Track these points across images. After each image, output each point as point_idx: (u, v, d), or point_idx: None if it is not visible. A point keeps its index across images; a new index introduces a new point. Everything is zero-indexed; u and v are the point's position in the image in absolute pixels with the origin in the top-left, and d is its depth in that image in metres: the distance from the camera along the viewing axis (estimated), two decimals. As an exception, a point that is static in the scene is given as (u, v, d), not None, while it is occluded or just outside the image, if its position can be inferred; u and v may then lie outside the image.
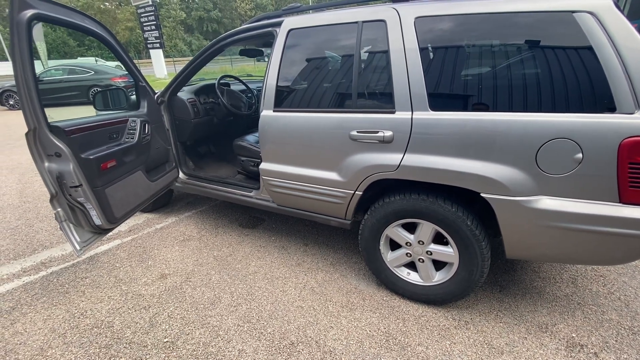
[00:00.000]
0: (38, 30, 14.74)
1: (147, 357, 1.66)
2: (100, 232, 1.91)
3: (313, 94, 1.94)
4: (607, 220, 1.37)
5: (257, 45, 2.81)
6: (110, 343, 1.74)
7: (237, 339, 1.75)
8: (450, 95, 1.57)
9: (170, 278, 2.24)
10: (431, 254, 1.82)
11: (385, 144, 1.70)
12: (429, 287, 1.89)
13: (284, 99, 1.99)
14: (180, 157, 2.74)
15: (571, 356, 1.61)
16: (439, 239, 1.80)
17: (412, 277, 1.95)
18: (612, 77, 1.30)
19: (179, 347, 1.71)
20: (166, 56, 24.14)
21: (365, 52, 1.74)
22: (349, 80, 1.78)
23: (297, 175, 2.04)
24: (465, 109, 1.54)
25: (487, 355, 1.63)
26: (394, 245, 1.98)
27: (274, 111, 2.01)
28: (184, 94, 2.71)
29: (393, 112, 1.67)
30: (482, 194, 1.54)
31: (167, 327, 1.84)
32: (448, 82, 1.57)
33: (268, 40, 2.02)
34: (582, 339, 1.71)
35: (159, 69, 18.76)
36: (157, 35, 17.16)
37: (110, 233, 2.81)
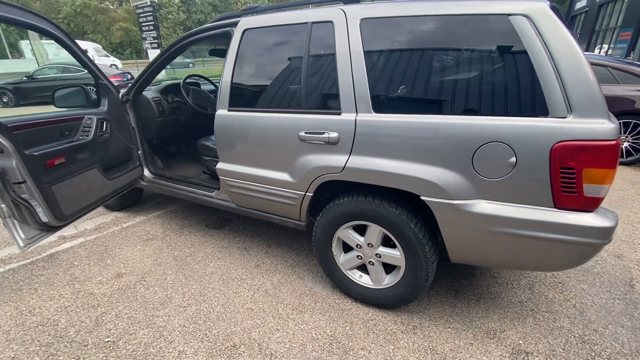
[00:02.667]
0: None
1: (86, 356, 1.64)
2: (49, 229, 1.89)
3: (265, 94, 1.93)
4: (542, 226, 1.36)
5: (225, 45, 2.81)
6: (51, 341, 1.72)
7: (180, 340, 1.73)
8: (392, 98, 1.56)
9: (126, 277, 2.22)
10: (380, 256, 1.80)
11: (331, 146, 1.69)
12: (379, 290, 1.87)
13: (238, 98, 1.98)
14: (147, 155, 2.73)
15: (515, 363, 1.59)
16: (388, 242, 1.78)
17: (364, 279, 1.94)
18: (545, 81, 1.28)
19: (119, 347, 1.69)
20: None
21: (314, 52, 1.73)
22: (298, 81, 1.77)
23: (251, 176, 2.02)
24: (406, 111, 1.52)
25: (429, 360, 1.61)
26: (347, 248, 1.96)
27: (228, 110, 2.00)
28: (150, 92, 2.70)
29: (339, 114, 1.66)
30: (422, 197, 1.52)
31: (112, 326, 1.82)
32: (390, 85, 1.56)
33: (227, 40, 2.02)
34: (529, 346, 1.69)
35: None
36: (155, 35, 17.21)
37: (75, 231, 2.80)
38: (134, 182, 2.58)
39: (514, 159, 1.33)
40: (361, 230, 1.85)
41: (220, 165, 2.14)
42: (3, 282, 2.18)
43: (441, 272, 2.24)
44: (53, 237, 2.72)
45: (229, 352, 1.66)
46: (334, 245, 1.93)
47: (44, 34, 1.80)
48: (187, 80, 2.95)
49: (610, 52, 12.77)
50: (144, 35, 17.89)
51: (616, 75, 4.22)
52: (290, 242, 2.62)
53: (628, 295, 2.04)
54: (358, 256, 1.89)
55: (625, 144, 4.24)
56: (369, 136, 1.59)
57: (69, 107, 2.20)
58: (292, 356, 1.63)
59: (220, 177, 2.17)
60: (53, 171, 1.80)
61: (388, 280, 1.85)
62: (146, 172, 2.72)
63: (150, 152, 2.80)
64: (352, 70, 1.61)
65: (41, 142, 1.76)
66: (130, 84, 2.50)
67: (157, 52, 18.77)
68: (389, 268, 1.86)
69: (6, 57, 23.38)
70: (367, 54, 1.59)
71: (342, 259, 1.96)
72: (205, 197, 2.42)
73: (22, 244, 1.75)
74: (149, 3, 17.34)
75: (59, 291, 2.09)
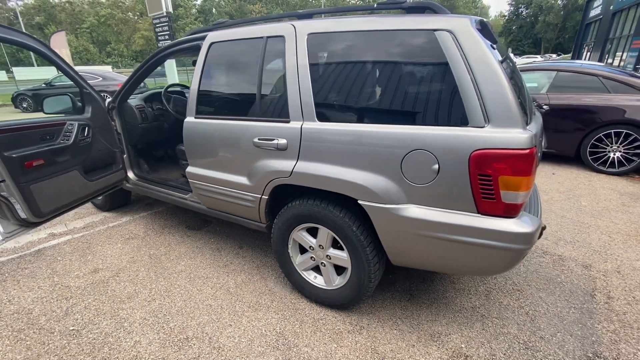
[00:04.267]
0: (61, 37, 15.62)
1: (51, 342, 1.78)
2: (28, 225, 2.06)
3: (226, 103, 2.06)
4: (466, 230, 1.41)
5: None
6: (23, 328, 1.87)
7: (138, 331, 1.84)
8: (332, 107, 1.66)
9: (101, 273, 2.36)
10: (330, 258, 1.88)
11: (281, 151, 1.79)
12: (330, 291, 1.94)
13: (203, 106, 2.12)
14: (132, 159, 2.90)
15: (451, 366, 1.63)
16: (338, 244, 1.85)
17: (318, 280, 2.01)
18: (465, 92, 1.36)
19: (82, 335, 1.82)
20: (181, 65, 25.05)
21: (267, 64, 1.85)
22: (254, 91, 1.89)
23: (216, 179, 2.15)
24: (344, 120, 1.62)
25: (368, 359, 1.66)
26: (303, 250, 2.05)
27: (195, 118, 2.14)
28: (135, 100, 2.88)
29: (288, 122, 1.77)
30: (359, 201, 1.60)
31: (79, 316, 1.95)
32: (331, 95, 1.66)
33: (198, 52, 2.16)
34: (470, 350, 1.72)
35: (172, 77, 19.51)
36: (171, 44, 17.89)
37: (65, 229, 2.99)
38: (117, 184, 2.74)
39: (437, 166, 1.40)
40: (314, 232, 1.93)
41: (189, 169, 2.28)
42: (-9, 273, 2.36)
43: (400, 276, 2.29)
44: (43, 234, 2.91)
45: (181, 343, 1.76)
46: (290, 246, 2.02)
47: (29, 49, 1.99)
48: (169, 89, 3.13)
49: (624, 60, 12.46)
50: (159, 44, 18.61)
51: (607, 84, 4.17)
52: (261, 244, 2.72)
53: (586, 305, 2.04)
54: (312, 257, 1.97)
55: (617, 154, 4.17)
56: (313, 143, 1.69)
57: (56, 113, 2.39)
58: (238, 350, 1.72)
59: (190, 180, 2.31)
60: (31, 172, 1.97)
61: (338, 282, 1.92)
62: (131, 175, 2.89)
63: (136, 156, 2.97)
64: (298, 81, 1.71)
65: (21, 145, 1.94)
66: (115, 93, 2.69)
67: (172, 60, 19.52)
68: (340, 270, 1.93)
69: (32, 65, 24.66)
70: (312, 66, 1.69)
71: (298, 260, 2.04)
72: (180, 199, 2.56)
73: (0, 238, 1.92)
74: (165, 13, 18.11)
75: (39, 283, 2.26)
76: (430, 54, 1.44)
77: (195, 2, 49.76)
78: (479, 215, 1.40)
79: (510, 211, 1.36)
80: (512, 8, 56.20)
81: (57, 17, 37.97)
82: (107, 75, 10.98)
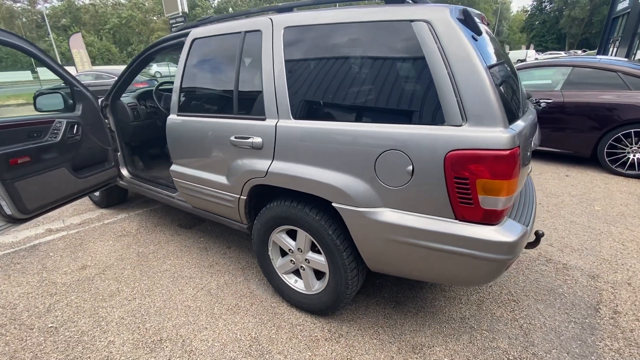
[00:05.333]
0: (79, 38, 16.17)
1: (29, 338, 1.79)
2: (14, 221, 2.08)
3: (206, 100, 2.01)
4: (443, 237, 1.31)
5: None
6: (5, 323, 1.89)
7: (114, 331, 1.83)
8: (307, 104, 1.57)
9: (88, 270, 2.38)
10: (309, 262, 1.81)
11: (257, 150, 1.73)
12: (310, 296, 1.87)
13: (185, 103, 2.08)
14: (125, 157, 2.92)
15: (431, 381, 1.53)
16: (317, 248, 1.78)
17: (298, 285, 1.94)
18: (441, 88, 1.25)
19: (59, 332, 1.82)
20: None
21: (245, 60, 1.79)
22: (231, 87, 1.84)
23: (197, 178, 2.11)
24: (319, 118, 1.53)
25: (342, 370, 1.58)
26: (285, 252, 1.98)
27: (177, 115, 2.11)
28: (127, 98, 2.89)
29: (264, 119, 1.70)
30: (333, 204, 1.52)
31: (60, 313, 1.96)
32: (306, 91, 1.58)
33: (184, 48, 2.13)
34: (453, 364, 1.61)
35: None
36: (186, 44, 18.21)
37: (62, 225, 3.04)
38: (110, 181, 2.75)
39: (411, 168, 1.30)
40: (294, 235, 1.86)
41: (173, 168, 2.25)
42: (-15, 267, 2.42)
43: (388, 282, 2.18)
44: (41, 230, 2.97)
45: (153, 345, 1.73)
46: (270, 248, 1.96)
47: (21, 50, 2.01)
48: (161, 87, 3.12)
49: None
50: (175, 44, 18.96)
51: (628, 81, 3.89)
52: (249, 245, 2.68)
53: (588, 320, 1.88)
54: (291, 261, 1.90)
55: (637, 155, 3.89)
56: (288, 141, 1.61)
57: (48, 110, 2.41)
58: (210, 355, 1.67)
59: (174, 178, 2.28)
60: (16, 169, 1.98)
61: (317, 287, 1.84)
62: (125, 172, 2.91)
63: (130, 153, 2.98)
64: (274, 77, 1.64)
65: (6, 143, 1.96)
66: (108, 91, 2.70)
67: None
68: (320, 275, 1.86)
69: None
70: (288, 61, 1.62)
71: (278, 262, 1.98)
72: (168, 197, 2.54)
73: (-15, 233, 1.94)
74: (180, 13, 18.46)
75: (28, 279, 2.29)
76: (407, 47, 1.33)
77: (212, 2, 50.51)
78: (457, 221, 1.29)
79: (491, 218, 1.24)
80: (535, 3, 54.16)
81: (81, 19, 39.42)
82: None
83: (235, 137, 1.79)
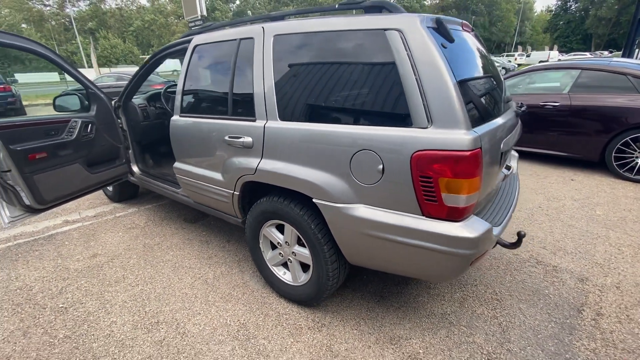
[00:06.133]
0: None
1: (41, 316, 1.98)
2: (32, 211, 2.29)
3: (204, 102, 2.16)
4: (411, 232, 1.39)
5: None
6: (21, 302, 2.10)
7: (117, 312, 2.00)
8: (292, 107, 1.69)
9: (98, 258, 2.57)
10: (295, 254, 1.92)
11: (247, 149, 1.86)
12: (296, 287, 1.98)
13: (186, 105, 2.24)
14: (136, 154, 3.12)
15: (403, 370, 1.61)
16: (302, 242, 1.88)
17: (287, 276, 2.06)
18: (409, 92, 1.34)
19: (68, 312, 2.01)
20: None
21: (239, 65, 1.92)
22: (227, 91, 1.97)
23: (197, 175, 2.26)
24: (302, 119, 1.65)
25: (320, 356, 1.68)
26: (275, 246, 2.10)
27: (180, 116, 2.27)
28: (138, 100, 3.09)
29: (254, 121, 1.83)
30: (313, 200, 1.62)
31: (70, 295, 2.15)
32: (291, 95, 1.69)
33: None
34: (427, 356, 1.68)
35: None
36: (203, 46, 18.75)
37: (78, 217, 3.28)
38: (121, 177, 2.96)
39: (381, 167, 1.39)
40: (283, 229, 1.98)
41: (176, 165, 2.42)
42: (8, 253, 2.66)
43: (375, 278, 2.27)
44: (59, 221, 3.21)
45: (150, 326, 1.89)
46: (261, 242, 2.09)
47: (37, 54, 2.22)
48: (168, 90, 3.31)
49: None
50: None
51: (637, 84, 3.81)
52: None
53: (569, 320, 1.91)
54: (280, 253, 2.02)
55: (645, 160, 3.80)
56: (274, 141, 1.73)
57: (66, 111, 2.63)
58: (201, 337, 1.81)
59: (177, 175, 2.44)
60: (34, 163, 2.19)
61: (303, 278, 1.95)
62: (135, 169, 3.11)
63: (140, 151, 3.18)
64: (264, 81, 1.77)
65: (26, 139, 2.17)
66: (120, 92, 2.91)
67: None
68: (306, 267, 1.96)
69: (82, 67, 26.83)
70: (276, 67, 1.74)
71: (268, 255, 2.10)
72: (173, 193, 2.71)
73: (6, 221, 2.16)
74: (199, 17, 19.06)
75: (44, 264, 2.50)
76: (381, 54, 1.43)
77: (232, 5, 51.50)
78: (424, 217, 1.37)
79: (454, 214, 1.32)
80: (559, 2, 52.44)
81: (107, 22, 41.13)
82: None
83: (229, 137, 1.93)
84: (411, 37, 1.35)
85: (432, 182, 1.29)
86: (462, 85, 1.35)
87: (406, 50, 1.35)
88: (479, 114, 1.40)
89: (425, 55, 1.31)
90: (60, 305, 2.06)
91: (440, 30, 1.42)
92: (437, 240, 1.34)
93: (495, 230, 1.49)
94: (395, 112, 1.38)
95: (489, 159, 1.39)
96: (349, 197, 1.52)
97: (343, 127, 1.49)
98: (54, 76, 28.89)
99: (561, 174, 4.27)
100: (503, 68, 20.92)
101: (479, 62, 1.70)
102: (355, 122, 1.48)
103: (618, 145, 3.92)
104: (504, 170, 1.82)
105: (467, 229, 1.32)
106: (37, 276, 2.36)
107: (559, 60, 19.19)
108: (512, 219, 3.08)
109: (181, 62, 3.14)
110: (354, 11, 1.71)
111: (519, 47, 46.99)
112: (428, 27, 1.37)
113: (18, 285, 2.27)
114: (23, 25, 36.59)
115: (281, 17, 1.92)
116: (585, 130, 4.10)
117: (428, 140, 1.28)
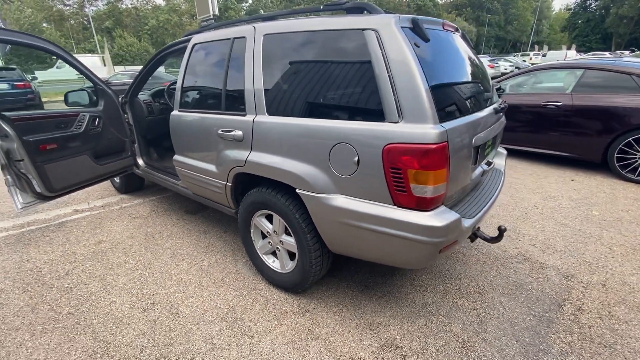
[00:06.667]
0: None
1: (48, 294, 2.14)
2: (43, 198, 2.47)
3: (201, 97, 2.28)
4: (383, 221, 1.48)
5: None
6: (31, 281, 2.27)
7: (117, 293, 2.14)
8: (278, 102, 1.79)
9: (103, 244, 2.74)
10: (283, 243, 2.02)
11: (238, 142, 1.97)
12: (284, 274, 2.08)
13: (185, 100, 2.37)
14: (141, 148, 3.28)
15: (379, 354, 1.69)
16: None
17: (276, 264, 2.16)
18: (383, 89, 1.42)
19: (73, 292, 2.16)
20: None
21: (232, 63, 2.03)
22: (221, 87, 2.09)
23: (194, 167, 2.39)
24: (287, 114, 1.74)
25: (301, 338, 1.78)
26: (265, 235, 2.20)
27: (179, 111, 2.40)
28: (144, 96, 3.25)
29: (244, 115, 1.94)
30: (297, 190, 1.72)
31: (75, 277, 2.31)
32: (277, 91, 1.79)
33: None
34: (403, 342, 1.76)
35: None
36: (215, 45, 19.08)
37: (87, 206, 3.46)
38: (126, 169, 3.12)
39: (356, 159, 1.48)
40: (272, 219, 2.08)
41: (175, 157, 2.55)
42: (22, 237, 2.85)
43: (363, 269, 2.35)
44: (70, 209, 3.41)
45: (146, 307, 2.02)
46: (252, 231, 2.20)
47: (46, 51, 2.38)
48: (172, 87, 3.46)
49: None
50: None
51: (641, 84, 3.76)
52: (243, 230, 2.93)
53: (548, 314, 1.95)
54: (269, 242, 2.13)
55: (649, 162, 3.75)
56: (262, 134, 1.84)
57: (76, 105, 2.80)
58: (192, 318, 1.93)
59: (176, 167, 2.58)
60: (45, 154, 2.36)
61: (290, 266, 2.05)
62: (140, 162, 3.27)
63: (146, 145, 3.34)
64: (253, 78, 1.87)
65: (38, 131, 2.34)
66: (127, 89, 3.07)
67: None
68: (293, 256, 2.06)
69: (103, 64, 27.54)
70: (265, 64, 1.84)
71: (259, 244, 2.21)
72: (174, 185, 2.85)
73: (19, 207, 2.34)
74: (212, 16, 19.40)
75: (53, 248, 2.68)
76: (359, 53, 1.51)
77: (244, 4, 51.96)
78: (395, 207, 1.45)
79: (422, 204, 1.39)
80: (579, 0, 50.99)
81: (123, 21, 42.12)
82: (155, 74, 12.03)
83: (222, 131, 2.04)
84: (385, 36, 1.43)
85: (402, 173, 1.37)
86: (434, 82, 1.42)
87: (381, 49, 1.43)
88: (450, 110, 1.47)
89: (398, 54, 1.39)
90: (66, 286, 2.22)
91: (416, 30, 1.49)
92: (406, 228, 1.42)
93: (467, 222, 1.56)
94: (370, 107, 1.46)
95: (459, 153, 1.46)
96: (328, 188, 1.61)
97: (323, 121, 1.58)
98: (72, 74, 29.76)
99: (562, 174, 4.24)
100: (516, 68, 20.56)
101: (459, 60, 1.76)
102: (335, 117, 1.56)
103: (621, 146, 3.88)
104: (483, 166, 1.88)
105: (435, 218, 1.39)
106: (46, 259, 2.53)
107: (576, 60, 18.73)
108: (505, 217, 3.11)
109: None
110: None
111: (535, 47, 45.95)
112: (403, 27, 1.45)
113: (29, 266, 2.44)
114: (44, 25, 37.87)
115: (272, 18, 2.02)
116: (587, 131, 4.07)
117: (398, 134, 1.36)
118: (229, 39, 2.06)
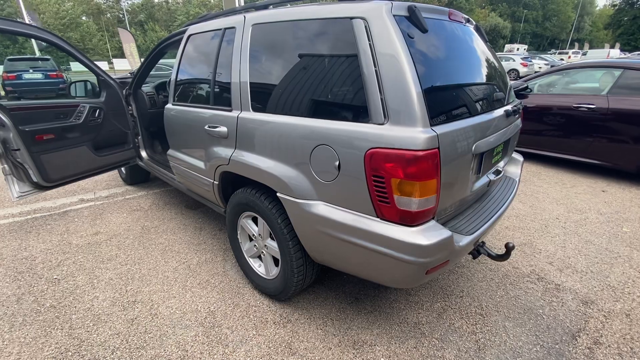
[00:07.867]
0: (127, 33, 17.59)
1: (36, 285, 2.14)
2: (40, 187, 2.48)
3: (192, 91, 2.19)
4: (364, 234, 1.32)
5: None
6: (23, 270, 2.29)
7: (102, 288, 2.11)
8: (263, 97, 1.66)
9: (99, 236, 2.74)
10: (267, 248, 1.91)
11: (223, 139, 1.86)
12: (268, 280, 1.97)
13: (178, 93, 2.29)
14: (145, 140, 3.26)
15: (359, 376, 1.54)
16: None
17: (261, 269, 2.05)
18: (368, 86, 1.26)
19: (60, 283, 2.15)
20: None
21: (222, 55, 1.92)
22: (210, 79, 1.99)
23: (185, 162, 2.31)
24: (271, 111, 1.61)
25: (278, 352, 1.66)
26: (252, 238, 2.10)
27: (172, 104, 2.32)
28: (147, 88, 3.22)
29: (230, 111, 1.82)
30: (277, 194, 1.59)
31: (65, 269, 2.31)
32: (262, 85, 1.66)
33: (185, 43, 2.34)
34: (388, 365, 1.60)
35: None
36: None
37: (92, 196, 3.50)
38: (127, 161, 3.12)
39: (337, 163, 1.33)
40: (257, 222, 1.97)
41: (169, 152, 2.49)
42: (25, 225, 2.91)
43: (354, 279, 2.20)
44: (75, 199, 3.46)
45: (127, 304, 1.97)
46: (239, 232, 2.10)
47: (48, 42, 2.37)
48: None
49: None
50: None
51: (691, 86, 3.33)
52: (239, 229, 2.84)
53: (559, 345, 1.73)
54: (255, 246, 2.02)
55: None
56: (246, 132, 1.72)
57: (79, 96, 2.81)
58: (169, 320, 1.86)
59: (170, 162, 2.52)
60: (42, 144, 2.36)
61: (274, 272, 1.93)
62: (144, 154, 3.25)
63: (149, 137, 3.32)
64: (240, 72, 1.75)
65: (35, 121, 2.34)
66: (130, 81, 3.05)
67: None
68: (278, 262, 1.94)
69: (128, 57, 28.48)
70: (252, 56, 1.72)
71: (246, 246, 2.11)
72: (171, 179, 2.81)
73: (15, 195, 2.36)
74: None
75: (52, 237, 2.71)
76: (345, 44, 1.35)
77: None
78: (378, 219, 1.29)
79: (407, 218, 1.23)
80: (626, -5, 47.29)
81: (155, 15, 43.51)
82: (161, 67, 12.16)
83: (209, 126, 1.94)
84: (374, 25, 1.26)
85: (384, 182, 1.21)
86: (429, 79, 1.24)
87: (369, 39, 1.26)
88: (445, 112, 1.28)
89: (387, 46, 1.22)
90: (55, 277, 2.22)
91: (413, 19, 1.31)
92: (388, 244, 1.25)
93: (463, 240, 1.37)
94: (355, 105, 1.30)
95: (454, 161, 1.27)
96: (309, 194, 1.47)
97: (305, 120, 1.44)
98: (103, 65, 31.13)
99: (592, 184, 3.86)
100: (552, 66, 19.28)
101: (464, 55, 1.56)
102: (317, 115, 1.42)
103: (661, 156, 3.46)
104: (490, 175, 1.67)
105: (421, 235, 1.22)
106: (42, 248, 2.56)
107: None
108: (521, 229, 2.84)
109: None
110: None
111: (575, 44, 43.11)
112: (396, 16, 1.27)
113: (25, 255, 2.47)
114: (83, 18, 39.70)
115: (265, 7, 1.88)
116: (623, 137, 3.67)
117: (382, 137, 1.19)
118: (221, 29, 1.95)
